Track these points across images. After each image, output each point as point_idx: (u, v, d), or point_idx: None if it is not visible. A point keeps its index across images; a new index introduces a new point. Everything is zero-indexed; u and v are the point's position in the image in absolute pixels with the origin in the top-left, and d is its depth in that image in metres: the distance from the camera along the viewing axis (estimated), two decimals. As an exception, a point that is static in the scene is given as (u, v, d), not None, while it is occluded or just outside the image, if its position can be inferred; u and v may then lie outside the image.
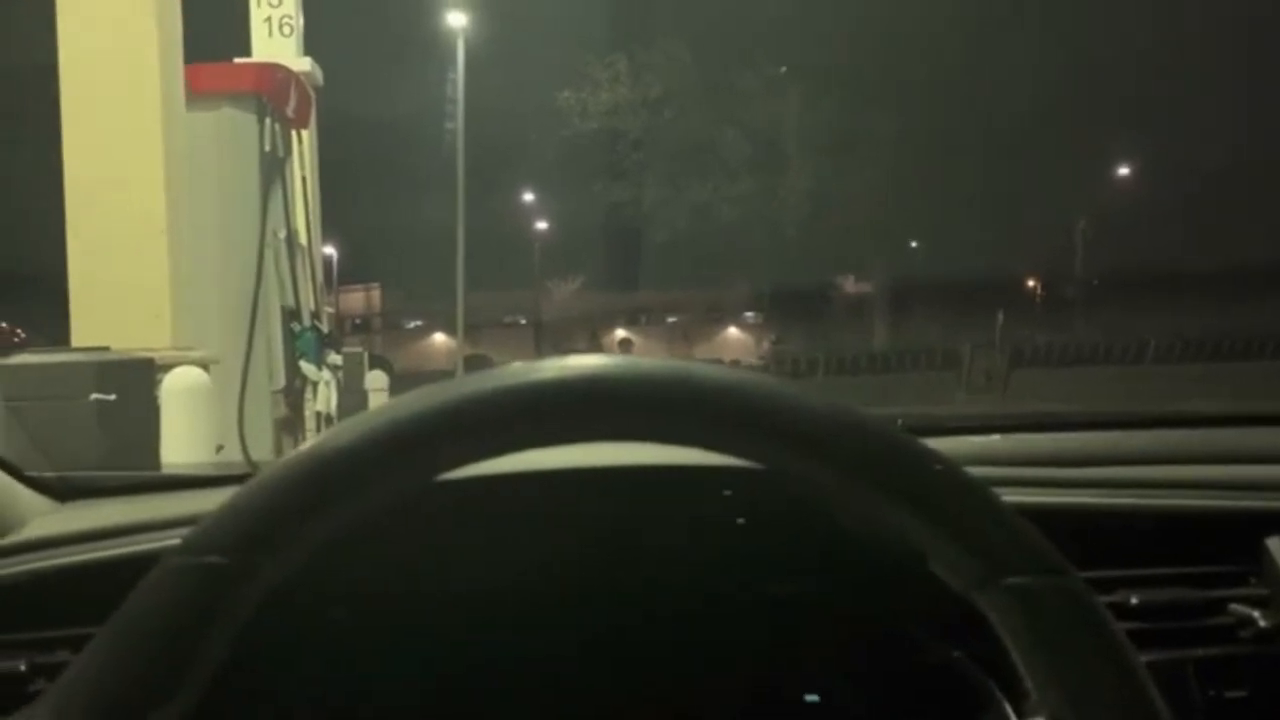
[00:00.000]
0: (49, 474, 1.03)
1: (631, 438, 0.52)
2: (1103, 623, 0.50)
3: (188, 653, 0.49)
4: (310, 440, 0.52)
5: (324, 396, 7.07)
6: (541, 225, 35.69)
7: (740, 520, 0.87)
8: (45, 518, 0.94)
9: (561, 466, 0.81)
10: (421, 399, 0.50)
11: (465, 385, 0.51)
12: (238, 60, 7.89)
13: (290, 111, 7.24)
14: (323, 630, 0.84)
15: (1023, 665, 0.50)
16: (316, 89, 8.49)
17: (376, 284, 33.47)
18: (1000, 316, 18.33)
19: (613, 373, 0.51)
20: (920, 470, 0.51)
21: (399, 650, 0.86)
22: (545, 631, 0.87)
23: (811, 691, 0.88)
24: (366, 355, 11.92)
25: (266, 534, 0.49)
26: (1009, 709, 0.79)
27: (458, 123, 19.46)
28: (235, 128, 6.82)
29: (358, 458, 0.49)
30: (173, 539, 0.77)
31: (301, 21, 8.79)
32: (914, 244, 26.31)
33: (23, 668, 0.76)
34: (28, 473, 0.99)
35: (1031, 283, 29.43)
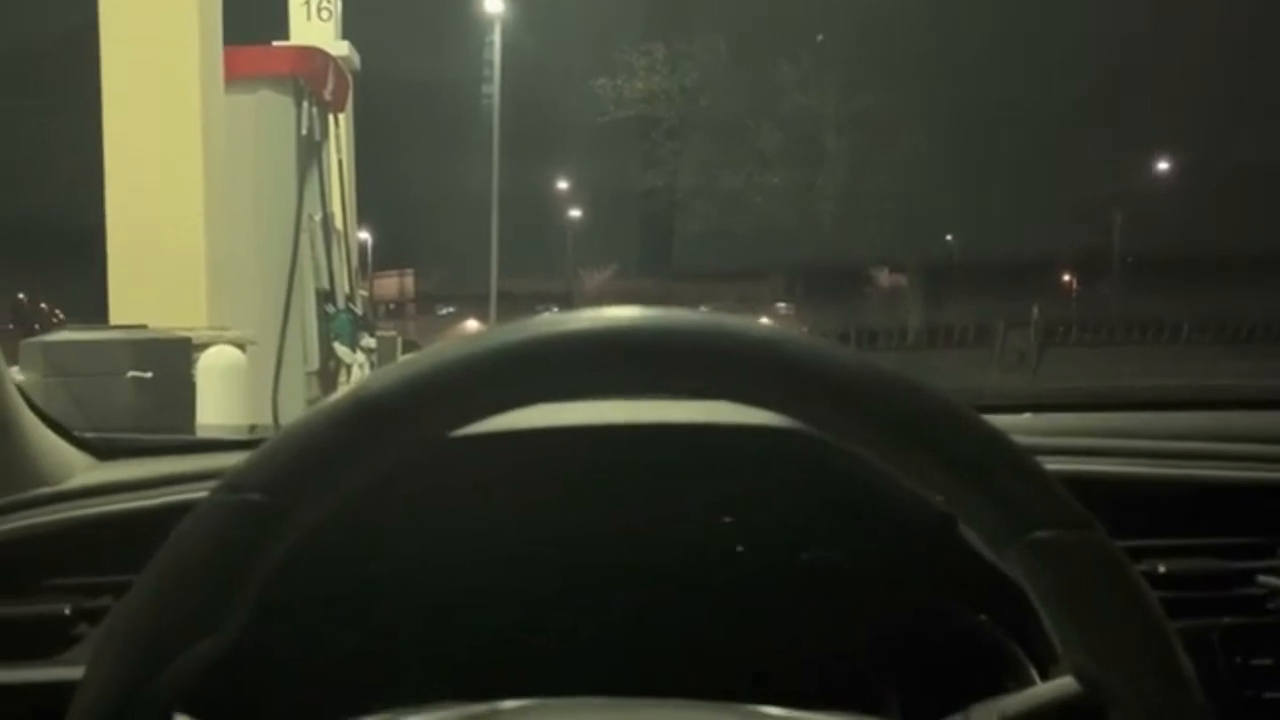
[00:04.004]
0: (91, 434, 1.06)
1: (668, 390, 0.52)
2: (1129, 577, 0.50)
3: (226, 589, 0.49)
4: (351, 384, 0.52)
5: (357, 379, 7.10)
6: (575, 213, 35.73)
7: (770, 486, 0.87)
8: (88, 472, 0.96)
9: (592, 423, 0.82)
10: (464, 345, 0.51)
11: (503, 333, 0.51)
12: (276, 44, 7.94)
13: (328, 95, 7.28)
14: (360, 584, 0.85)
15: (1048, 619, 0.50)
16: (353, 73, 8.53)
17: (410, 270, 33.57)
18: (1035, 311, 18.18)
19: (650, 323, 0.51)
20: (948, 422, 0.51)
21: (433, 605, 0.87)
22: (573, 591, 0.88)
23: (839, 656, 0.88)
24: (400, 340, 11.97)
25: (307, 473, 0.50)
26: (1034, 673, 0.79)
27: (494, 87, 19.49)
28: (273, 111, 6.87)
29: (399, 400, 0.50)
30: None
31: (339, 6, 8.83)
32: (949, 237, 26.15)
33: (67, 611, 0.78)
34: (73, 432, 1.02)
35: (1066, 276, 29.17)
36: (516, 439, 0.78)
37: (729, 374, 0.51)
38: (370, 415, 0.50)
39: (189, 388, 5.04)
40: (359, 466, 0.51)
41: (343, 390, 0.52)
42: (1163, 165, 27.70)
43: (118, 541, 0.79)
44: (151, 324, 5.18)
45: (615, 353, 0.51)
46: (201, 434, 1.76)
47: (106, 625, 0.51)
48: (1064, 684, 0.55)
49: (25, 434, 0.93)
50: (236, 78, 6.48)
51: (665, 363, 0.51)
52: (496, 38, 19.88)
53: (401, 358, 0.54)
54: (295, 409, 6.53)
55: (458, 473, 0.81)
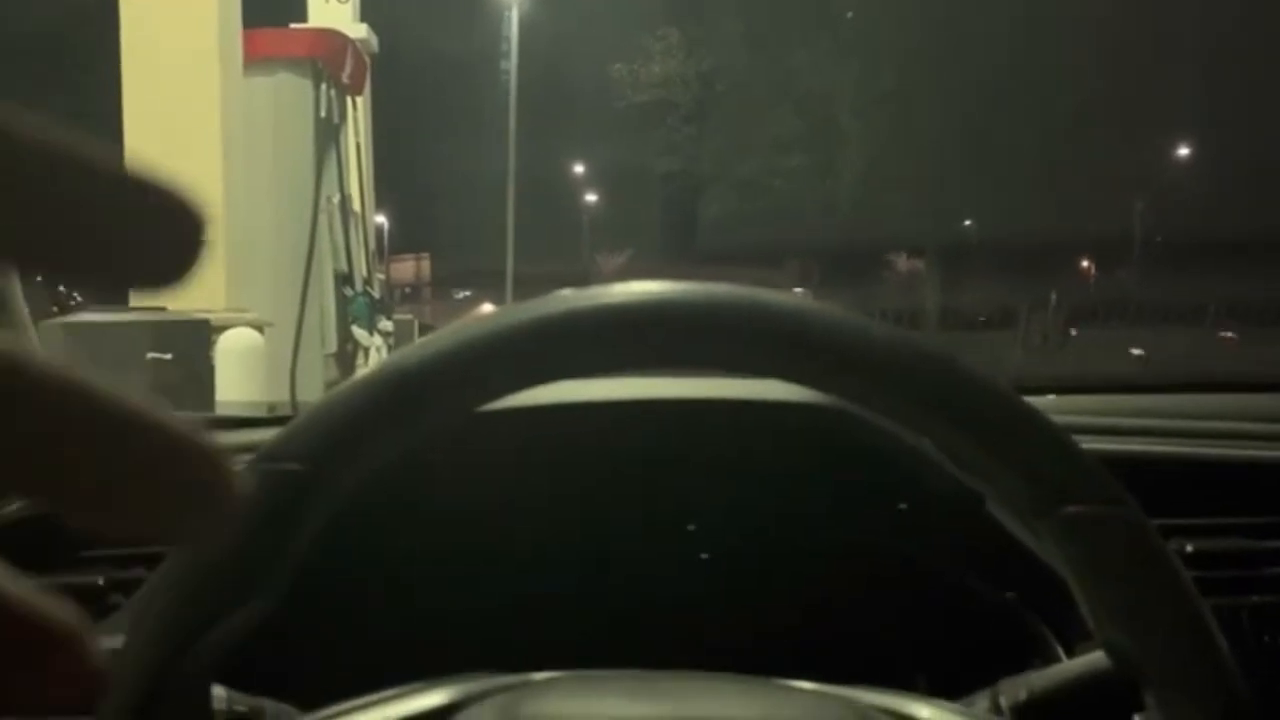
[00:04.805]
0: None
1: (700, 363, 0.52)
2: (1163, 553, 0.50)
3: (264, 558, 0.50)
4: (387, 355, 0.53)
5: (375, 362, 7.11)
6: (591, 197, 35.69)
7: (798, 463, 0.87)
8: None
9: (622, 398, 0.82)
10: (500, 317, 0.51)
11: (537, 307, 0.51)
12: (294, 26, 7.93)
13: (346, 77, 7.28)
14: (390, 558, 0.86)
15: (1080, 594, 0.50)
16: (371, 56, 8.53)
17: (426, 254, 33.59)
18: (1054, 297, 18.11)
19: (678, 297, 0.51)
20: (981, 395, 0.51)
21: (463, 579, 0.87)
22: (603, 566, 0.88)
23: (862, 634, 0.88)
24: (417, 323, 11.98)
25: (343, 443, 0.50)
26: (1060, 652, 0.79)
27: (511, 64, 19.59)
28: (291, 93, 6.87)
29: (434, 371, 0.50)
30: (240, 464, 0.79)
31: (358, -12, 8.81)
32: (967, 222, 26.06)
33: (100, 582, 0.79)
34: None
35: (1085, 261, 29.03)
36: (548, 413, 0.78)
37: (767, 347, 0.51)
38: (406, 386, 0.50)
39: (208, 369, 5.07)
40: (394, 437, 0.51)
41: (378, 361, 0.52)
42: (1183, 150, 27.54)
43: None
44: (170, 306, 5.19)
45: (649, 325, 0.51)
46: (222, 413, 1.77)
47: (144, 594, 0.51)
48: (1094, 659, 0.55)
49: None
50: (255, 60, 6.49)
51: (698, 336, 0.51)
52: (514, 16, 19.90)
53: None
54: (313, 391, 6.55)
55: (490, 447, 0.81)
